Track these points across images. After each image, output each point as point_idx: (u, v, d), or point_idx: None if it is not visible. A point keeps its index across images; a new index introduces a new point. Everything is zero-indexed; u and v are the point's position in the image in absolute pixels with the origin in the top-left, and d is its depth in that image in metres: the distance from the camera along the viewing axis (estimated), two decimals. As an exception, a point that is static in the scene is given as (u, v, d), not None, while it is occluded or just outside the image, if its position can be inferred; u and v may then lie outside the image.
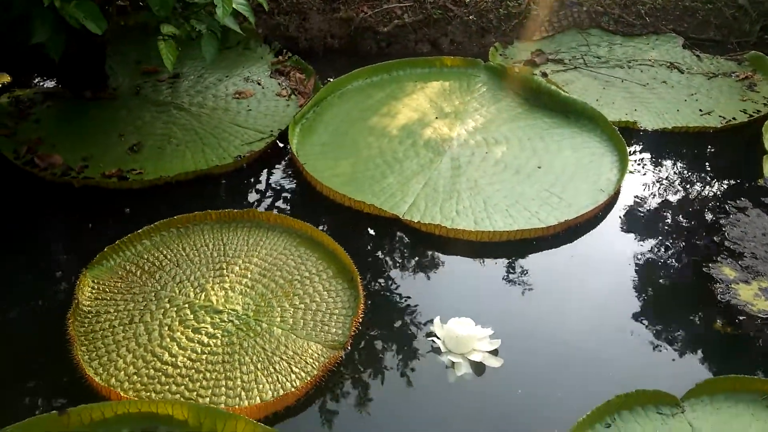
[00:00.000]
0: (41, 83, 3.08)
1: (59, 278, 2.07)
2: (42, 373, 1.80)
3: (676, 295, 2.19)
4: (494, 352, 1.92)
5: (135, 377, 1.76)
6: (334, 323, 1.95)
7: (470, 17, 3.63)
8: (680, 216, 2.56)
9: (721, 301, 2.12)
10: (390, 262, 2.26)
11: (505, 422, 1.75)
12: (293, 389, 1.72)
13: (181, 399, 1.69)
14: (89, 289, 2.00)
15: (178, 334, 1.89)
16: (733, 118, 3.07)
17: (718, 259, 2.30)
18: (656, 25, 3.87)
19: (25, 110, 2.85)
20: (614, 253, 2.35)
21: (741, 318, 2.07)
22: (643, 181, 2.74)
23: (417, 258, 2.28)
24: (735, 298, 2.14)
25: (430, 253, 2.29)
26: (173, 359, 1.81)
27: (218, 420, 1.59)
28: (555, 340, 1.99)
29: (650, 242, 2.41)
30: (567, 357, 1.94)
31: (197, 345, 1.86)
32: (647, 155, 2.91)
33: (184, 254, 2.16)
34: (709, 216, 2.52)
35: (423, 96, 3.16)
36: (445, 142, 2.81)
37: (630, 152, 2.80)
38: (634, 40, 3.81)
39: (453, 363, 1.87)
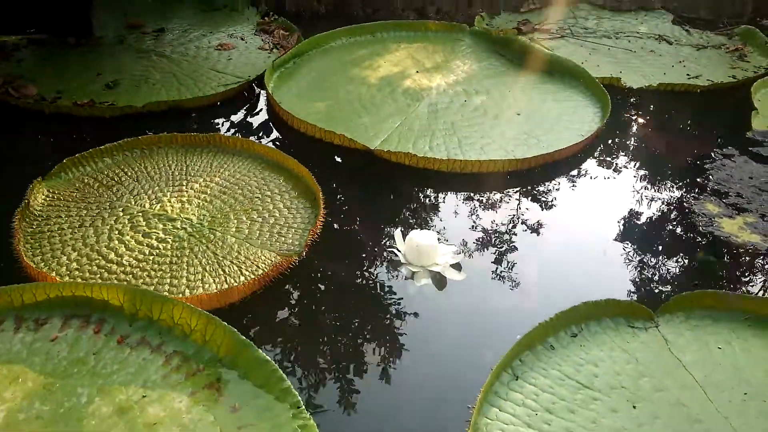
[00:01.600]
0: (29, 33, 3.07)
1: (15, 187, 2.00)
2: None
3: (656, 227, 2.09)
4: (457, 267, 1.83)
5: (77, 273, 1.69)
6: (291, 235, 1.87)
7: (459, -13, 3.62)
8: (664, 161, 2.48)
9: (703, 233, 2.03)
10: (356, 188, 2.19)
11: (466, 330, 1.65)
12: (237, 285, 1.64)
13: (122, 293, 1.61)
14: (42, 196, 1.95)
15: (128, 237, 1.82)
16: (722, 82, 3.01)
17: (701, 197, 2.22)
18: (645, 2, 3.86)
19: (9, 53, 2.85)
20: (592, 190, 2.26)
21: (723, 248, 1.98)
22: (627, 130, 2.68)
23: (384, 186, 2.21)
24: (718, 230, 2.05)
25: (398, 182, 2.22)
26: (119, 258, 1.74)
27: (155, 305, 1.50)
28: (524, 262, 1.90)
29: (631, 181, 2.33)
30: (536, 278, 1.85)
31: (145, 247, 1.79)
32: (631, 109, 2.85)
33: (145, 172, 2.10)
34: (694, 162, 2.44)
35: (405, 53, 3.13)
36: (424, 91, 2.77)
37: (614, 106, 2.74)
38: (622, 14, 3.79)
39: (413, 274, 1.78)
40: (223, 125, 2.50)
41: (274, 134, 2.47)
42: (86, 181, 2.04)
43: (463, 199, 2.17)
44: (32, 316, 1.51)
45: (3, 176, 2.11)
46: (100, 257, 1.74)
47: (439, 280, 1.78)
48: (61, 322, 1.50)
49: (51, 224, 1.85)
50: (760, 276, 1.89)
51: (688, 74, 3.10)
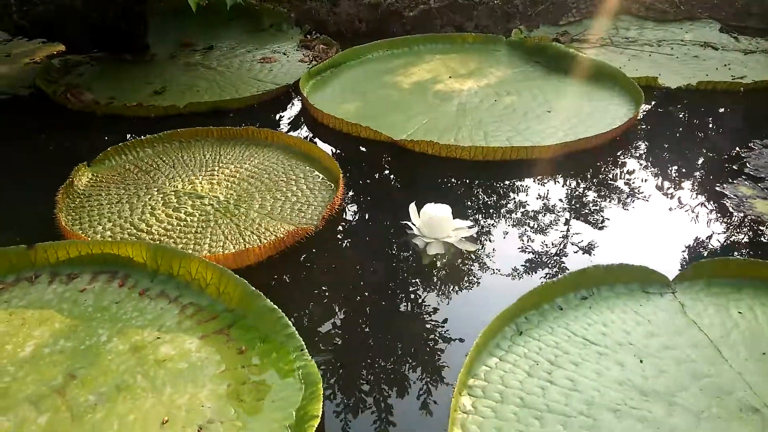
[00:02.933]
0: (92, 53, 3.37)
1: (66, 174, 2.16)
2: (27, 229, 1.88)
3: (685, 207, 2.03)
4: (471, 240, 1.83)
5: (109, 239, 1.80)
6: (311, 212, 1.93)
7: (496, 2, 3.71)
8: (698, 151, 2.42)
9: (734, 213, 1.95)
10: (379, 175, 2.25)
11: (473, 294, 1.64)
12: (253, 247, 1.71)
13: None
14: (87, 179, 2.11)
15: (159, 211, 1.93)
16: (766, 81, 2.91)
17: (735, 181, 2.13)
18: (691, 12, 3.80)
19: (71, 68, 3.13)
20: (621, 175, 2.23)
21: (754, 225, 1.89)
22: (662, 124, 2.63)
23: (406, 173, 2.25)
24: (750, 210, 1.96)
25: (420, 170, 2.26)
26: (149, 228, 1.85)
27: (174, 261, 1.59)
28: (543, 238, 1.88)
29: (661, 167, 2.28)
30: (553, 254, 1.82)
31: (174, 220, 1.89)
32: (668, 106, 2.79)
33: (181, 160, 2.24)
34: (731, 151, 2.35)
35: (440, 63, 3.21)
36: (455, 93, 2.82)
37: (650, 104, 2.71)
38: (666, 25, 3.74)
39: (426, 244, 1.80)
40: (258, 123, 2.63)
41: (305, 131, 2.58)
42: (127, 167, 2.20)
43: (484, 185, 2.18)
44: (65, 271, 1.62)
45: (55, 164, 2.30)
46: (131, 227, 1.86)
47: (453, 251, 1.79)
48: (90, 277, 1.61)
49: (92, 201, 2.00)
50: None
51: (732, 75, 3.01)
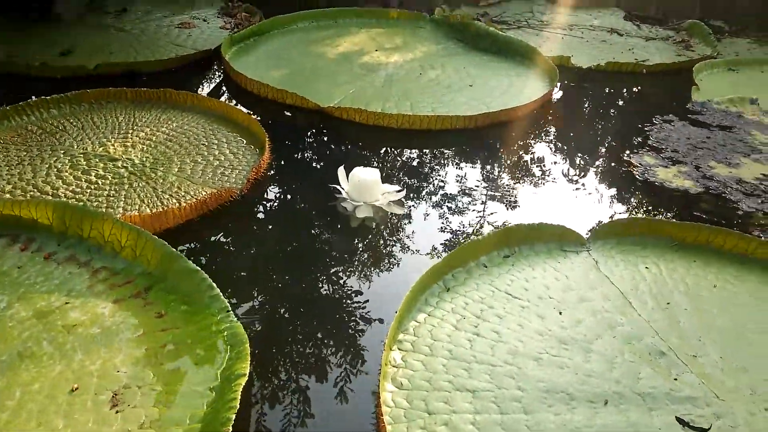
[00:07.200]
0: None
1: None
2: None
3: (597, 174, 2.14)
4: (399, 203, 1.84)
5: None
6: (235, 176, 1.86)
7: (419, -21, 3.72)
8: (607, 124, 2.56)
9: (639, 179, 2.09)
10: (306, 141, 2.20)
11: (403, 256, 1.65)
12: (172, 207, 1.62)
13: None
14: (-18, 139, 1.92)
15: (66, 174, 1.79)
16: (666, 63, 3.12)
17: (640, 152, 2.28)
18: (600, 1, 4.01)
19: (-40, 24, 2.84)
20: (539, 144, 2.32)
21: (656, 190, 2.03)
22: (574, 100, 2.76)
23: (334, 139, 2.22)
24: (654, 177, 2.11)
25: (347, 137, 2.24)
26: (54, 191, 1.71)
27: (84, 222, 1.48)
28: (467, 201, 1.92)
29: (575, 138, 2.39)
30: (477, 216, 1.86)
31: (84, 182, 1.76)
32: (580, 83, 2.93)
33: (91, 122, 2.09)
34: (635, 125, 2.51)
35: (366, 36, 3.19)
36: (381, 65, 2.81)
37: (563, 82, 2.83)
38: (577, 10, 3.93)
39: (355, 208, 1.78)
40: (175, 88, 2.49)
41: (227, 97, 2.48)
42: (29, 128, 2.02)
43: (411, 152, 2.19)
44: (-43, 234, 1.48)
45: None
46: (35, 190, 1.72)
47: (381, 215, 1.79)
48: (-14, 240, 1.47)
49: (-12, 162, 1.83)
50: (688, 212, 1.92)
51: (636, 59, 3.20)
